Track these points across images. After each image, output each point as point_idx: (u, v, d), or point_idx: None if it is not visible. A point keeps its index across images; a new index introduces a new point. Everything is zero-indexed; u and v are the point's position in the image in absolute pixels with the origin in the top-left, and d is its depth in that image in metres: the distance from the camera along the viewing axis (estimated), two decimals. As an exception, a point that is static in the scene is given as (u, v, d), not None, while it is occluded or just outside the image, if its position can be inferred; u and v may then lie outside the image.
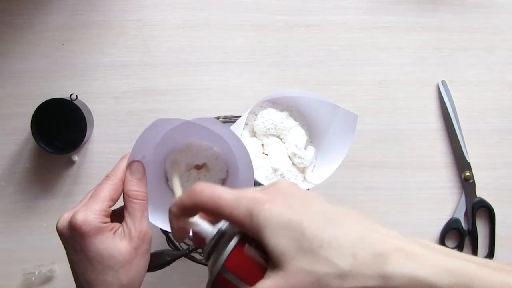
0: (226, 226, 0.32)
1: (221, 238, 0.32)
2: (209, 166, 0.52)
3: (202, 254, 0.58)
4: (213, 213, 0.31)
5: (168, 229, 0.48)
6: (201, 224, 0.33)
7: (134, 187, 0.44)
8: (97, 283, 0.41)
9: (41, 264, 0.67)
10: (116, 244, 0.42)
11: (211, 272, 0.31)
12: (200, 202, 0.31)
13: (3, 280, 0.67)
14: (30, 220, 0.68)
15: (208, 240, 0.32)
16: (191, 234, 0.36)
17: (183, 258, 0.53)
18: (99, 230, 0.41)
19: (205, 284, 0.67)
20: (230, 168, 0.52)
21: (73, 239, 0.42)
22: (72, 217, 0.42)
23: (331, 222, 0.29)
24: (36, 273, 0.66)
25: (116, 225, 0.43)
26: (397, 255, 0.28)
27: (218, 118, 0.61)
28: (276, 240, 0.29)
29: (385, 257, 0.28)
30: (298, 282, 0.28)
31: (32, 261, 0.67)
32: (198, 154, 0.51)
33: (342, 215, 0.30)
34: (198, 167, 0.52)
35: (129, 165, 0.45)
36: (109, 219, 0.43)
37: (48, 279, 0.67)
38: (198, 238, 0.34)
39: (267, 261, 0.30)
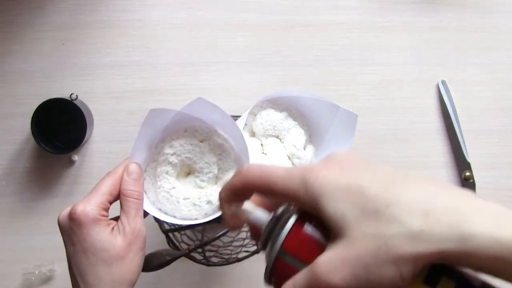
0: (282, 210, 0.30)
1: (278, 222, 0.29)
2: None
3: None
4: (265, 190, 0.29)
5: (168, 220, 0.48)
6: (254, 211, 0.30)
7: (130, 186, 0.45)
8: (89, 276, 0.42)
9: (41, 264, 0.67)
10: (110, 239, 0.43)
11: (268, 258, 0.29)
12: (250, 179, 0.29)
13: (3, 280, 0.67)
14: (30, 220, 0.68)
15: (263, 227, 0.30)
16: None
17: (183, 258, 0.53)
18: (96, 221, 0.42)
19: (205, 283, 0.66)
20: None
21: (71, 230, 0.43)
22: (72, 208, 0.43)
23: (395, 181, 0.25)
24: (36, 273, 0.66)
25: (113, 222, 0.45)
26: (477, 213, 0.23)
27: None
28: (335, 206, 0.25)
29: (463, 214, 0.23)
30: (363, 248, 0.24)
31: (32, 261, 0.67)
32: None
33: (407, 176, 0.26)
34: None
35: (127, 166, 0.46)
36: (107, 214, 0.45)
37: (48, 279, 0.67)
38: (254, 228, 0.31)
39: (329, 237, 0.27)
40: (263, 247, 0.30)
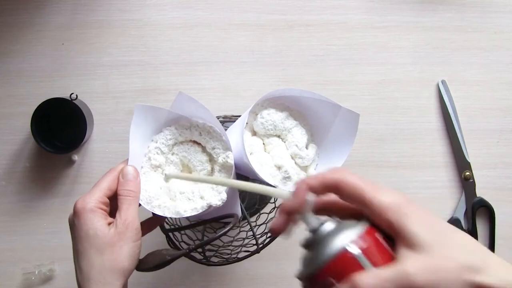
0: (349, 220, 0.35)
1: (343, 223, 0.34)
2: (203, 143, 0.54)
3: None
4: (354, 194, 0.34)
5: (163, 214, 0.50)
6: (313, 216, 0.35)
7: (124, 186, 0.48)
8: (82, 262, 0.45)
9: (41, 264, 0.67)
10: (104, 228, 0.46)
11: (328, 246, 0.32)
12: (344, 179, 0.34)
13: (3, 280, 0.67)
14: (30, 220, 0.68)
15: (325, 224, 0.34)
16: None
17: (183, 258, 0.53)
18: (92, 212, 0.46)
19: (205, 283, 0.66)
20: None
21: (73, 223, 0.46)
22: (74, 203, 0.47)
23: (448, 229, 0.34)
24: (36, 273, 0.66)
25: (112, 218, 0.48)
26: (504, 266, 0.32)
27: (218, 117, 0.61)
28: (420, 228, 0.32)
29: (505, 265, 0.32)
30: (443, 264, 0.31)
31: (32, 261, 0.67)
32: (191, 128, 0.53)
33: (451, 228, 0.34)
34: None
35: (122, 168, 0.49)
36: (105, 207, 0.47)
37: (48, 278, 0.67)
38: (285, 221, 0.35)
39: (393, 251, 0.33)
40: (314, 244, 0.34)
